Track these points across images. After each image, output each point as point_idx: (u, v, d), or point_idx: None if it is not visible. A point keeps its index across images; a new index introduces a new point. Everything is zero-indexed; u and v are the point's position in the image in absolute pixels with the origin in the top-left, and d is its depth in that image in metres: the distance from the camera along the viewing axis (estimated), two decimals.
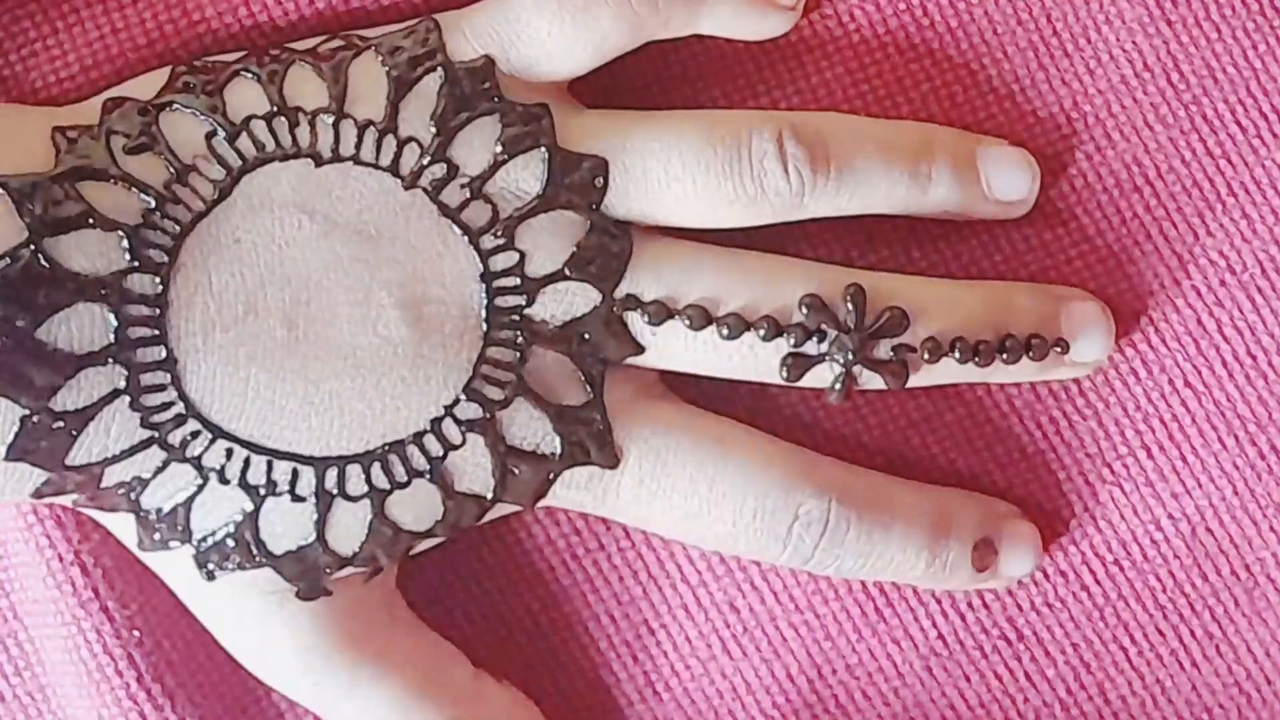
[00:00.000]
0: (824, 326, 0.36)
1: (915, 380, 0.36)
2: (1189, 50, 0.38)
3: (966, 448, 0.39)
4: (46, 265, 0.33)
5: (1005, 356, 0.36)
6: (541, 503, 0.36)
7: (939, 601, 0.39)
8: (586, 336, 0.35)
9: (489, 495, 0.35)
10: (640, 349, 0.36)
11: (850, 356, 0.36)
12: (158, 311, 0.34)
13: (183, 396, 0.34)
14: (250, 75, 0.35)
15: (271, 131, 0.35)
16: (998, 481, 0.39)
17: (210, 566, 0.35)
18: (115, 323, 0.34)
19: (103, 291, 0.33)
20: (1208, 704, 0.39)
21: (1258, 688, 0.39)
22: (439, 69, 0.35)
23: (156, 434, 0.34)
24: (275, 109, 0.35)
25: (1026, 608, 0.39)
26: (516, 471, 0.35)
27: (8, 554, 0.38)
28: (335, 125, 0.35)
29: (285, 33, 0.37)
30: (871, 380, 0.36)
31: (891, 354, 0.36)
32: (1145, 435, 0.39)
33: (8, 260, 0.33)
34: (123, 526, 0.36)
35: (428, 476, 0.35)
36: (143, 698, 0.37)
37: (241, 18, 0.37)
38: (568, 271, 0.35)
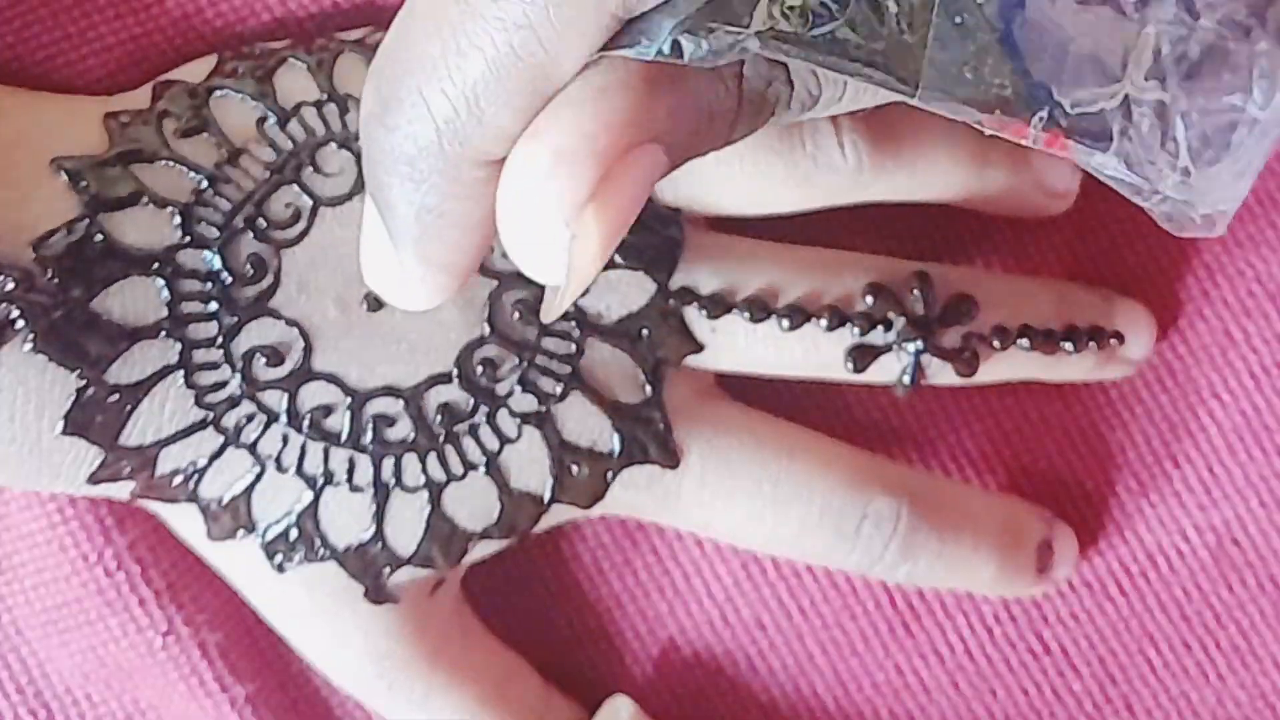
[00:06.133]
0: (890, 315, 0.35)
1: (982, 373, 0.36)
2: None
3: (994, 459, 0.39)
4: (102, 238, 0.33)
5: (1071, 346, 0.36)
6: (599, 507, 0.35)
7: (965, 615, 0.39)
8: (644, 333, 0.35)
9: (546, 494, 0.35)
10: (699, 346, 0.35)
11: (920, 345, 0.35)
12: (210, 287, 0.34)
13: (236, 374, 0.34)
14: (300, 62, 0.35)
15: (322, 118, 0.34)
16: (1025, 493, 0.39)
17: (278, 558, 0.34)
18: (168, 296, 0.33)
19: (156, 266, 0.33)
20: (1234, 717, 0.39)
21: None
22: None
23: (211, 414, 0.34)
24: (326, 96, 0.34)
25: (1052, 620, 0.39)
26: (574, 469, 0.35)
27: (12, 568, 0.37)
28: None
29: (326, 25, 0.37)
30: (940, 372, 0.36)
31: (961, 342, 0.35)
32: (1172, 445, 0.39)
33: (65, 232, 0.33)
34: (185, 521, 0.35)
35: (484, 469, 0.34)
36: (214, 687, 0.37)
37: (279, 14, 0.37)
38: (619, 259, 0.35)
